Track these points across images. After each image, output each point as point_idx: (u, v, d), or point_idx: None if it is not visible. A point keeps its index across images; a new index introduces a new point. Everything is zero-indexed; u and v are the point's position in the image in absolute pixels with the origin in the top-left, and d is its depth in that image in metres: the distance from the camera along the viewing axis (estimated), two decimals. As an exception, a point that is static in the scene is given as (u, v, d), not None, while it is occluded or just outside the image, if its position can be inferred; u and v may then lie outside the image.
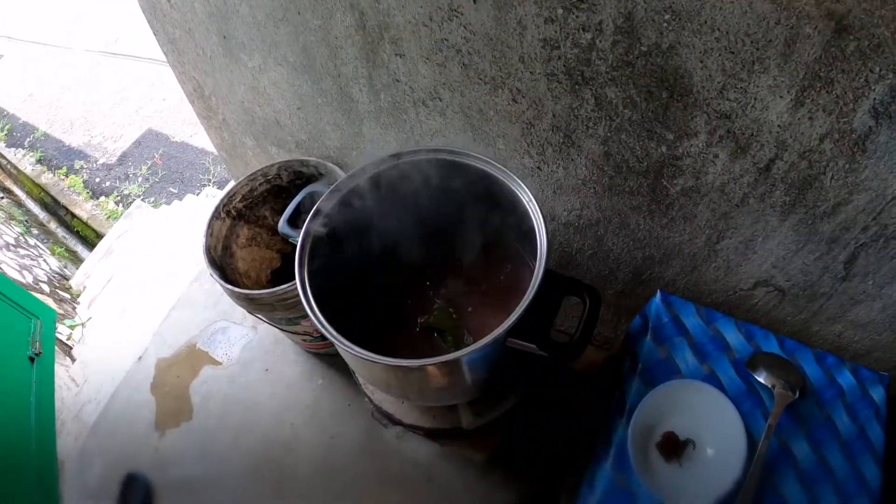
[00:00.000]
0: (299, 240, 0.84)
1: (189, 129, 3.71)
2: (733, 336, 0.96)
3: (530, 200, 0.81)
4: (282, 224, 0.93)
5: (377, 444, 1.32)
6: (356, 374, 1.03)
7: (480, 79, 0.92)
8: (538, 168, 1.02)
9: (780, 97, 0.71)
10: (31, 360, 1.74)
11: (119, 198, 3.41)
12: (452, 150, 0.87)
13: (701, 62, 0.72)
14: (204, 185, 3.29)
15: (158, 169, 3.51)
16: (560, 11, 0.76)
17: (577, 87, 0.85)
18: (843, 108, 0.68)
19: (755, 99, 0.73)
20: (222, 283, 1.15)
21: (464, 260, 0.98)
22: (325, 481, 1.31)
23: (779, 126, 0.74)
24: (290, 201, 1.38)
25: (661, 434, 0.84)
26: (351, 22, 0.96)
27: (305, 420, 1.43)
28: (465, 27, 0.85)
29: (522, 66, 0.86)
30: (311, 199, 0.99)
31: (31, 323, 1.83)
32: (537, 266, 0.75)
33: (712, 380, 0.92)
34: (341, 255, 0.90)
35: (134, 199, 3.18)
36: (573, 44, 0.79)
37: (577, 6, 0.74)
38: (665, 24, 0.70)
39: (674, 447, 0.83)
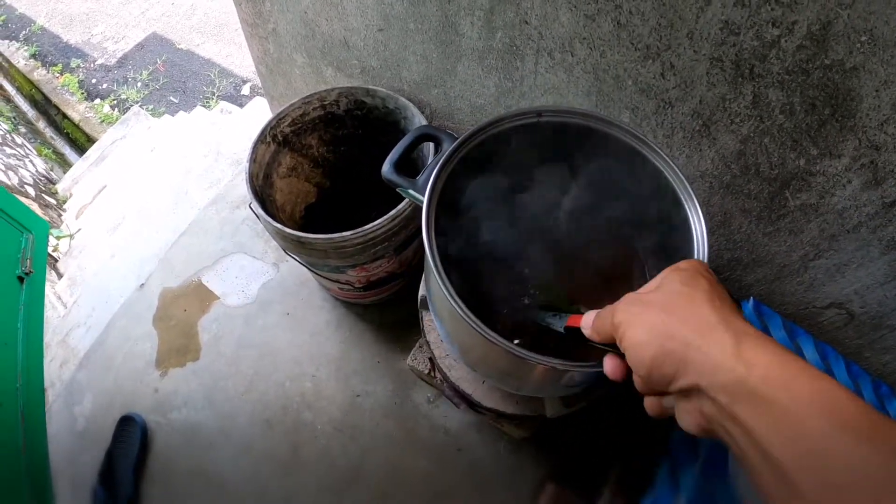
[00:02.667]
0: (425, 195, 0.73)
1: (197, 38, 3.49)
2: (811, 354, 0.98)
3: (690, 198, 0.75)
4: (387, 168, 0.81)
5: (406, 407, 1.25)
6: (434, 347, 0.94)
7: (632, 43, 0.83)
8: (662, 151, 0.95)
9: None
10: (21, 279, 1.50)
11: (115, 102, 3.20)
12: (610, 121, 0.77)
13: (876, 91, 0.70)
14: (207, 98, 3.09)
15: (160, 75, 3.30)
16: (756, -1, 0.69)
17: (739, 79, 0.79)
18: None
19: None
20: (269, 219, 1.01)
21: (581, 245, 0.91)
22: (345, 442, 1.23)
23: None
24: (342, 132, 1.25)
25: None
26: (493, -59, 0.83)
27: (329, 374, 1.32)
28: (638, -17, 0.75)
29: (688, 43, 0.78)
30: (418, 142, 0.86)
31: (22, 238, 1.57)
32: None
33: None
34: (459, 219, 0.80)
35: (132, 105, 2.95)
36: (756, 35, 0.72)
37: None
38: (858, 45, 0.67)
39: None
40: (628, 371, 0.46)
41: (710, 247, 0.72)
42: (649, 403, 0.44)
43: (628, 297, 0.47)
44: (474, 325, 0.65)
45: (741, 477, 0.39)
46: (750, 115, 0.82)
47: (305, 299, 1.43)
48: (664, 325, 0.40)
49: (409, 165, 0.80)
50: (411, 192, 0.79)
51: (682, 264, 0.47)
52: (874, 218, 0.84)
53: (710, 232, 1.03)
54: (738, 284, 1.10)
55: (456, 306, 0.67)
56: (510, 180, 0.83)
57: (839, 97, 0.73)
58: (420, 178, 0.78)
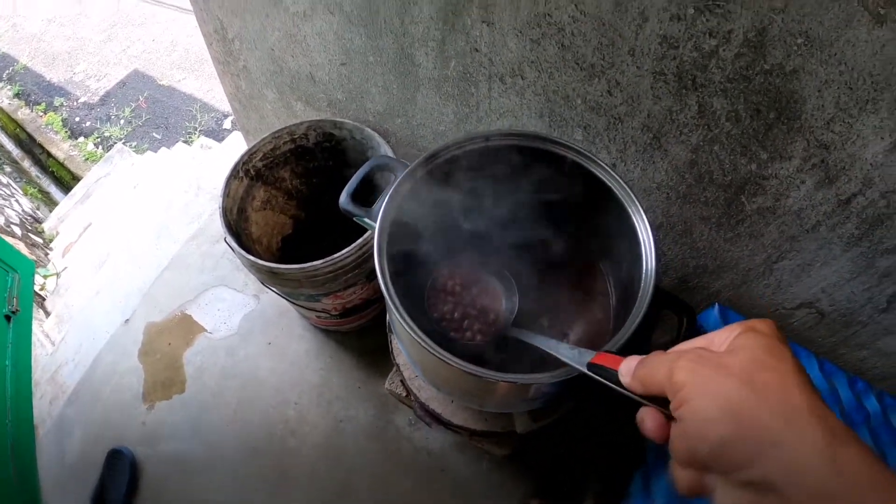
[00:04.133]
0: (377, 223, 0.75)
1: (178, 74, 3.55)
2: (781, 356, 0.98)
3: (637, 211, 0.76)
4: (344, 199, 0.83)
5: (388, 430, 1.26)
6: (404, 369, 0.96)
7: (577, 63, 0.85)
8: (613, 165, 0.97)
9: (881, 139, 0.72)
10: (7, 318, 1.52)
11: (99, 139, 3.24)
12: (554, 140, 0.79)
13: (818, 91, 0.71)
14: (189, 134, 3.13)
15: (142, 112, 3.35)
16: (691, 11, 0.71)
17: (683, 91, 0.80)
18: None
19: (857, 136, 0.73)
20: (242, 252, 1.03)
21: (539, 260, 0.92)
22: (330, 466, 1.24)
23: (871, 164, 0.75)
24: (313, 164, 1.28)
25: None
26: (437, -22, 0.86)
27: (311, 400, 1.34)
28: (576, 6, 0.78)
29: (630, 59, 0.81)
30: (373, 172, 0.89)
31: (8, 277, 1.59)
32: (644, 283, 0.71)
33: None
34: (411, 243, 0.82)
35: (115, 143, 3.01)
36: (694, 47, 0.74)
37: (711, 9, 0.70)
38: (796, 48, 0.68)
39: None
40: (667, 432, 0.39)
41: (657, 252, 0.73)
42: (684, 477, 0.37)
43: (694, 354, 0.38)
44: (424, 344, 0.66)
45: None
46: (697, 125, 0.84)
47: (286, 329, 1.46)
48: (744, 403, 0.33)
49: (371, 194, 0.82)
50: (366, 220, 0.81)
51: (759, 325, 0.38)
52: (831, 216, 0.85)
53: (674, 241, 1.05)
54: (706, 291, 1.11)
55: (407, 327, 0.68)
56: (464, 202, 0.84)
57: (783, 100, 0.74)
58: (374, 207, 0.80)
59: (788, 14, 0.65)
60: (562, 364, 0.60)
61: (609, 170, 0.77)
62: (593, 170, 0.78)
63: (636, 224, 0.76)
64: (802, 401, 0.33)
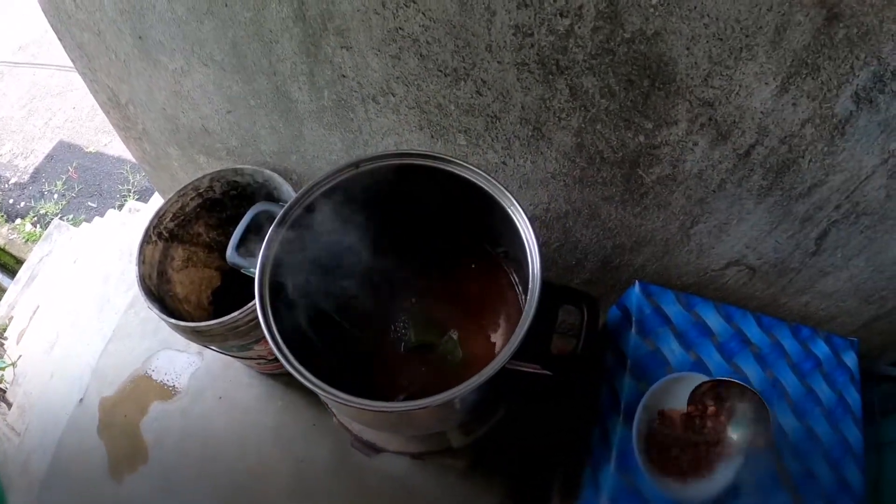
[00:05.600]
0: (257, 272, 0.74)
1: (103, 138, 3.50)
2: (714, 320, 0.96)
3: (513, 205, 0.75)
4: (230, 253, 0.82)
5: (349, 463, 1.25)
6: (331, 409, 0.94)
7: (440, 70, 0.83)
8: (503, 163, 0.95)
9: (766, 84, 0.70)
10: None
11: (36, 218, 3.20)
12: (418, 153, 0.78)
13: (687, 49, 0.69)
14: (124, 196, 3.11)
15: (74, 183, 3.32)
16: (535, -5, 0.69)
17: (550, 76, 0.79)
18: (826, 93, 0.68)
19: (740, 86, 0.71)
20: (164, 317, 1.01)
21: (439, 269, 0.91)
22: (300, 504, 1.23)
23: (762, 112, 0.74)
24: (225, 214, 1.26)
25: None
26: (288, 13, 0.84)
27: (270, 445, 1.32)
28: (423, 14, 0.76)
29: (489, 56, 0.79)
30: (259, 219, 0.88)
31: None
32: (531, 283, 0.70)
33: (700, 367, 0.92)
34: (303, 282, 0.80)
35: (52, 219, 2.95)
36: (549, 30, 0.73)
37: None
38: (651, 10, 0.66)
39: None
40: None
41: (540, 250, 0.71)
42: None
43: None
44: (319, 387, 0.64)
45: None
46: (574, 108, 0.82)
47: (233, 380, 1.44)
48: None
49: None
50: (251, 270, 0.79)
51: None
52: (735, 172, 0.84)
53: (584, 226, 1.04)
54: (630, 269, 1.10)
55: (296, 372, 0.66)
56: (350, 231, 0.83)
57: (652, 66, 0.72)
58: (255, 258, 0.78)
59: (634, -24, 0.63)
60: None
61: (476, 170, 0.75)
62: (464, 174, 0.77)
63: (517, 223, 0.75)
64: None
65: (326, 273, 0.82)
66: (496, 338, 0.89)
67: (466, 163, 0.75)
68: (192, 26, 0.95)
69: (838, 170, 0.77)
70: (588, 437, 0.93)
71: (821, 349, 0.98)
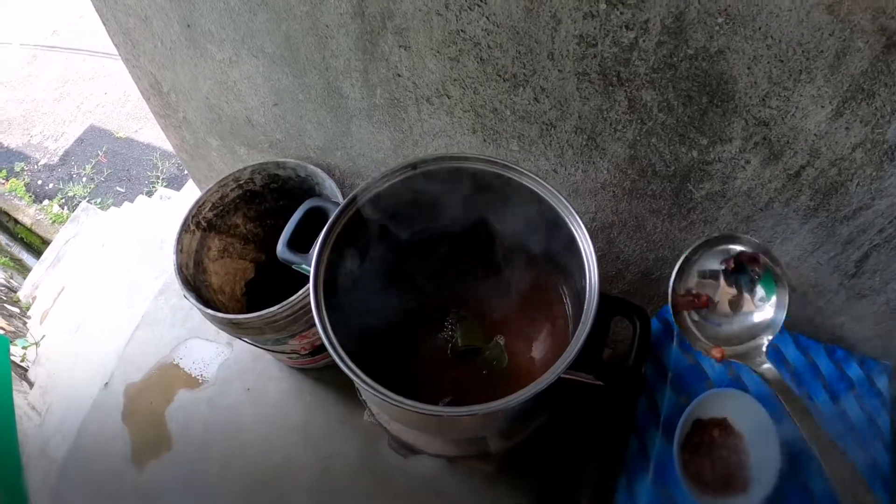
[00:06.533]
0: (311, 271, 0.74)
1: (134, 124, 3.52)
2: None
3: (571, 215, 0.75)
4: (280, 248, 0.82)
5: (377, 461, 1.25)
6: (370, 406, 0.94)
7: (499, 75, 0.83)
8: (554, 171, 0.96)
9: (822, 107, 0.70)
10: None
11: (63, 200, 3.22)
12: (477, 157, 0.78)
13: (748, 69, 0.69)
14: (152, 183, 3.11)
15: (103, 167, 3.34)
16: (603, 7, 0.69)
17: (610, 88, 0.79)
18: (879, 119, 0.68)
19: (796, 108, 0.71)
20: (201, 307, 1.01)
21: (486, 274, 0.91)
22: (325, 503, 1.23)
23: (815, 135, 0.73)
24: (264, 206, 1.26)
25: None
26: (347, 9, 0.84)
27: (297, 441, 1.32)
28: (487, 18, 0.76)
29: (551, 64, 0.79)
30: (308, 216, 0.87)
31: None
32: (588, 293, 0.70)
33: (737, 383, 0.92)
34: (354, 282, 0.80)
35: (80, 201, 2.96)
36: (613, 42, 0.72)
37: (623, 2, 0.68)
38: (717, 28, 0.66)
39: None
40: None
41: (598, 259, 0.71)
42: None
43: None
44: (374, 389, 0.65)
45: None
46: (630, 120, 0.82)
47: (263, 373, 1.44)
48: None
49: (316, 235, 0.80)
50: (303, 266, 0.79)
51: None
52: (783, 191, 0.84)
53: (629, 237, 1.04)
54: (670, 281, 1.09)
55: (350, 372, 0.67)
56: (403, 233, 0.83)
57: (713, 83, 0.72)
58: (309, 254, 0.78)
59: (703, -6, 0.63)
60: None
61: (537, 178, 0.75)
62: (525, 182, 0.77)
63: (574, 232, 0.75)
64: None
65: (377, 273, 0.83)
66: (539, 346, 0.89)
67: (527, 170, 0.75)
68: (244, 17, 0.95)
69: (885, 194, 0.77)
70: (623, 448, 0.93)
71: (854, 371, 0.98)
